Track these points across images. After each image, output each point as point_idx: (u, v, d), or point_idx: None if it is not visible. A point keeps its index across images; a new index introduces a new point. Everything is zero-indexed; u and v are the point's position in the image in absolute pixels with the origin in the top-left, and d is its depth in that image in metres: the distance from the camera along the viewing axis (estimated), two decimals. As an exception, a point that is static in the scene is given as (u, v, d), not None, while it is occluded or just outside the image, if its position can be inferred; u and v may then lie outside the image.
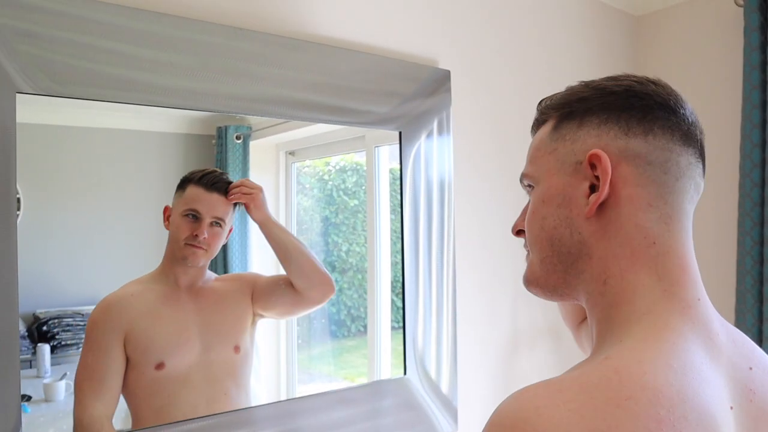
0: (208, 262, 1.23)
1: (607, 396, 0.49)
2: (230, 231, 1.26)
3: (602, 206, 0.62)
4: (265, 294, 1.30)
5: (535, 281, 0.70)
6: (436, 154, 1.59)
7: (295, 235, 1.43)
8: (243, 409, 1.26)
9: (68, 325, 1.11)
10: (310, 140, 1.47)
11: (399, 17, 1.56)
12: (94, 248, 1.15)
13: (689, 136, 0.64)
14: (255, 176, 1.33)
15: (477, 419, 1.70)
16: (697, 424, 0.50)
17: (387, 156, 1.56)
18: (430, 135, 1.57)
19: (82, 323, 1.13)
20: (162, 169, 1.22)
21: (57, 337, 1.10)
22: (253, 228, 1.35)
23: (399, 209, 1.52)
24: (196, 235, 1.18)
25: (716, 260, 2.01)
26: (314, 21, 1.40)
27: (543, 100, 0.73)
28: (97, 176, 1.15)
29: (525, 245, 0.73)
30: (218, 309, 1.24)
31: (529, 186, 0.72)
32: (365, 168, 1.57)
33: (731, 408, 0.57)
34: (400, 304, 1.54)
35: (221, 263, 1.29)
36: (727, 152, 1.99)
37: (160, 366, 1.13)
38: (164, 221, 1.18)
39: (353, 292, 1.54)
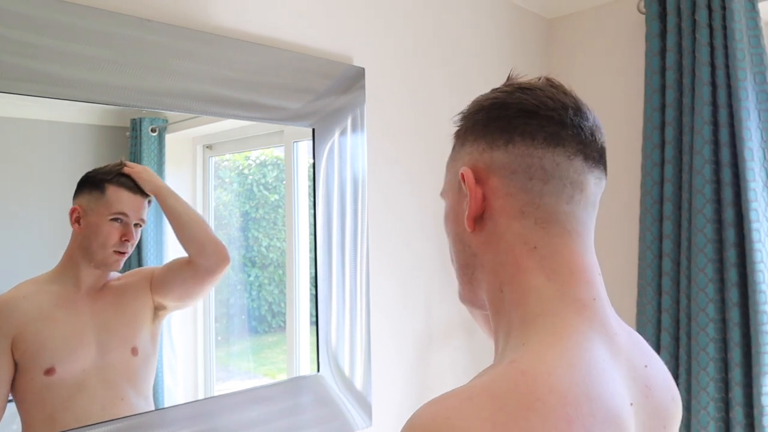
0: None
1: (517, 400, 0.50)
2: None
3: (482, 219, 0.66)
4: (163, 278, 1.27)
5: (461, 297, 0.74)
6: (350, 150, 1.60)
7: (213, 230, 1.40)
8: (155, 410, 1.23)
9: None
10: (228, 134, 1.45)
11: (314, 13, 1.56)
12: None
13: (555, 137, 0.64)
14: (171, 170, 1.30)
15: (391, 415, 1.72)
16: (603, 421, 0.52)
17: (306, 151, 1.55)
18: (344, 132, 1.58)
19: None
20: (72, 162, 1.16)
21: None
22: (171, 228, 1.31)
23: (314, 206, 1.53)
24: (126, 240, 1.16)
25: (622, 255, 2.09)
26: (227, 15, 1.39)
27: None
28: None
29: None
30: (115, 308, 1.20)
31: None
32: (285, 163, 1.55)
33: (631, 404, 0.59)
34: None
35: (135, 260, 1.26)
36: (630, 152, 2.07)
37: (50, 371, 1.08)
38: (73, 223, 1.12)
39: (274, 287, 1.52)
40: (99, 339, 1.16)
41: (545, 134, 0.64)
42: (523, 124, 0.64)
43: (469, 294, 0.71)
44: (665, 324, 1.84)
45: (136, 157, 1.25)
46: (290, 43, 1.50)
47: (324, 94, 1.52)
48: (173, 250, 1.30)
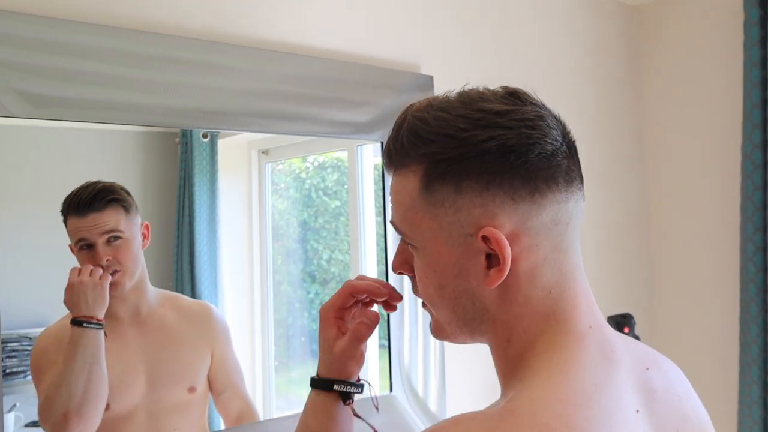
0: (135, 281, 1.16)
1: None
2: (146, 237, 1.17)
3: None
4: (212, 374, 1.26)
5: (443, 337, 0.73)
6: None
7: (270, 242, 1.37)
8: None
9: (14, 351, 1.05)
10: (285, 138, 1.41)
11: (378, 22, 1.53)
12: (42, 264, 1.09)
13: (569, 173, 0.63)
14: (225, 178, 1.28)
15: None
16: None
17: (371, 152, 1.50)
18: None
19: (29, 348, 1.06)
20: (120, 173, 1.14)
21: (2, 364, 1.02)
22: (225, 240, 1.27)
23: (383, 212, 1.47)
24: (96, 262, 1.11)
25: (718, 269, 2.01)
26: (289, 30, 1.38)
27: (396, 128, 0.66)
28: (47, 181, 1.08)
29: (423, 304, 0.73)
30: (169, 347, 1.21)
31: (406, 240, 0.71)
32: (347, 165, 1.50)
33: (637, 411, 0.61)
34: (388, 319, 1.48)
35: (189, 285, 1.24)
36: (727, 154, 1.99)
37: (104, 408, 1.11)
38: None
39: (336, 305, 1.45)
40: (150, 374, 1.17)
41: (563, 173, 0.63)
42: (545, 167, 0.61)
43: (464, 339, 0.70)
44: (773, 347, 1.74)
45: (187, 165, 1.22)
46: (354, 54, 1.46)
47: (391, 105, 1.48)
48: (228, 274, 1.28)
